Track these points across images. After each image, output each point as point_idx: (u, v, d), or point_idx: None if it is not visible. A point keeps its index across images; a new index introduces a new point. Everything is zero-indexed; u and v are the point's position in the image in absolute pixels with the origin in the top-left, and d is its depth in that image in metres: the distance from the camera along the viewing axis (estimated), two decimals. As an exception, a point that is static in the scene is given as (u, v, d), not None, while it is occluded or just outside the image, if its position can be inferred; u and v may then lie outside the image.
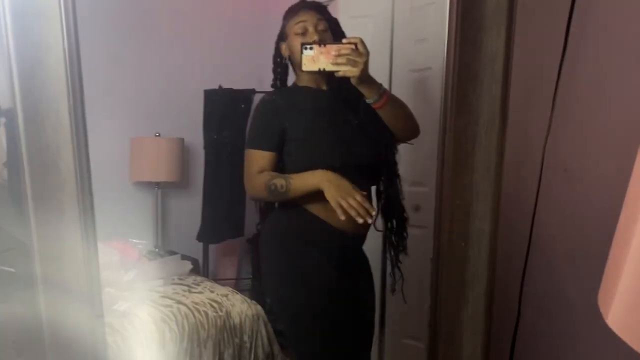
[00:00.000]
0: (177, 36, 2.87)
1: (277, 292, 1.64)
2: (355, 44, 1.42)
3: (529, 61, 0.95)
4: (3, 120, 1.61)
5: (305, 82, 1.63)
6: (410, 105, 2.63)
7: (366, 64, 1.43)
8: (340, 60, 1.41)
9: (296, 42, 1.55)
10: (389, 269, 2.12)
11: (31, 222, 0.85)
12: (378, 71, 2.67)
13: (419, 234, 2.67)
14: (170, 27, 2.86)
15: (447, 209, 0.97)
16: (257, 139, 1.60)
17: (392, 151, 1.66)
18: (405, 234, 1.77)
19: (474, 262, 0.97)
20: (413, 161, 2.67)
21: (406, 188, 2.69)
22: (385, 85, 2.67)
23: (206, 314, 1.90)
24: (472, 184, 0.95)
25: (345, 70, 1.41)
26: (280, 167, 1.59)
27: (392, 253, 1.79)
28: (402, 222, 1.76)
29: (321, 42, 1.46)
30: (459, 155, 0.95)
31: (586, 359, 1.38)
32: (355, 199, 1.42)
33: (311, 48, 1.43)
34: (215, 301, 1.97)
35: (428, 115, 2.59)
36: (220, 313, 1.92)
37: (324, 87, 1.63)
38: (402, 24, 2.65)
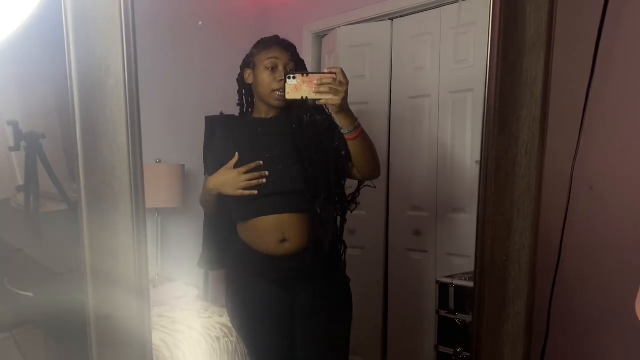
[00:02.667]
0: (178, 62, 2.90)
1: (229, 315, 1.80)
2: (336, 74, 1.49)
3: (559, 82, 1.01)
4: (24, 144, 1.61)
5: (257, 112, 1.72)
6: (409, 130, 2.72)
7: (346, 92, 1.50)
8: (322, 89, 1.49)
9: (264, 75, 1.65)
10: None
11: (85, 243, 0.86)
12: (378, 99, 2.76)
13: (420, 258, 2.72)
14: (172, 53, 2.89)
15: (489, 225, 1.01)
16: (208, 166, 1.73)
17: (330, 178, 1.68)
18: (340, 257, 1.79)
19: (515, 277, 1.00)
20: (412, 187, 2.73)
21: (406, 213, 2.75)
22: (385, 112, 2.78)
23: (218, 339, 1.88)
24: (512, 201, 0.99)
25: (327, 98, 1.50)
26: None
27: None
28: (337, 246, 1.77)
29: (304, 72, 1.54)
30: (500, 174, 0.99)
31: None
32: (242, 177, 1.57)
33: (294, 77, 1.51)
34: (226, 326, 1.96)
35: (425, 142, 2.67)
36: (231, 338, 1.91)
37: (270, 115, 1.70)
38: (400, 53, 2.73)
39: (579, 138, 1.28)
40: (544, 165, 0.98)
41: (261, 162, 1.61)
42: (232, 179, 1.60)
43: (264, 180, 1.59)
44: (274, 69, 1.64)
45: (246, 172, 1.59)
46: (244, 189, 1.59)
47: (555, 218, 1.35)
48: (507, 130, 0.97)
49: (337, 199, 1.72)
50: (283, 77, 1.59)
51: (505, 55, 0.95)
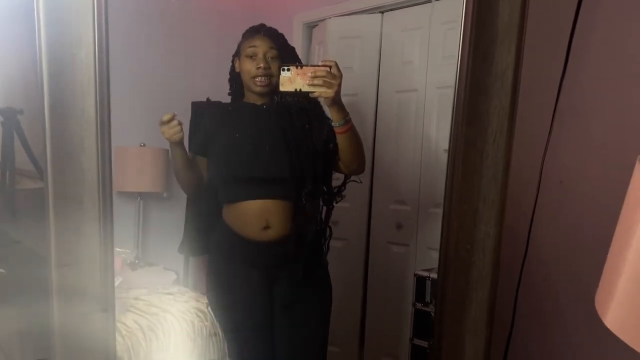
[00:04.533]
0: (166, 47, 2.88)
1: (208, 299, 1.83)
2: (330, 67, 1.50)
3: (531, 74, 1.02)
4: (0, 119, 1.60)
5: (247, 98, 1.74)
6: (395, 124, 2.72)
7: (339, 85, 1.51)
8: (316, 81, 1.50)
9: (245, 62, 1.68)
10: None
11: (50, 214, 0.85)
12: (365, 92, 2.76)
13: (401, 251, 2.73)
14: (160, 37, 2.87)
15: (455, 213, 1.02)
16: (192, 144, 1.76)
17: (317, 168, 1.69)
18: (322, 248, 1.81)
19: (479, 265, 1.02)
20: (395, 181, 2.74)
21: (389, 207, 2.76)
22: (372, 105, 2.78)
23: (192, 323, 1.88)
24: (479, 189, 1.00)
25: (321, 91, 1.51)
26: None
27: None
28: (319, 237, 1.79)
29: (298, 64, 1.54)
30: (468, 162, 1.00)
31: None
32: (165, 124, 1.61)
33: (289, 69, 1.52)
34: (202, 311, 1.96)
35: (411, 137, 2.68)
36: (206, 323, 1.91)
37: (260, 102, 1.71)
38: (389, 46, 2.73)
39: (549, 132, 1.30)
40: (512, 155, 1.00)
41: (175, 113, 1.64)
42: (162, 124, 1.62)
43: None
44: (253, 56, 1.66)
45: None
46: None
47: (525, 211, 1.37)
48: (476, 120, 0.98)
49: (324, 189, 1.73)
50: (261, 65, 1.63)
51: (476, 44, 0.96)
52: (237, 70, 1.74)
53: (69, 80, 0.85)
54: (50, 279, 0.89)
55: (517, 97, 0.97)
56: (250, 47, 1.67)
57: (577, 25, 1.29)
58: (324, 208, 1.79)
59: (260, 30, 1.69)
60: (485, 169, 0.99)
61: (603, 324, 0.77)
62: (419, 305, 2.23)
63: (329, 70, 1.50)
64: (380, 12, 2.77)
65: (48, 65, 0.83)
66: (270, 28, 1.72)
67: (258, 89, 1.66)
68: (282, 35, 1.73)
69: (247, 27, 1.76)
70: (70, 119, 0.85)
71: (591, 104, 1.37)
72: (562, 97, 1.29)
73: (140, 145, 2.74)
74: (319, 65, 1.51)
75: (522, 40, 0.95)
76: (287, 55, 1.70)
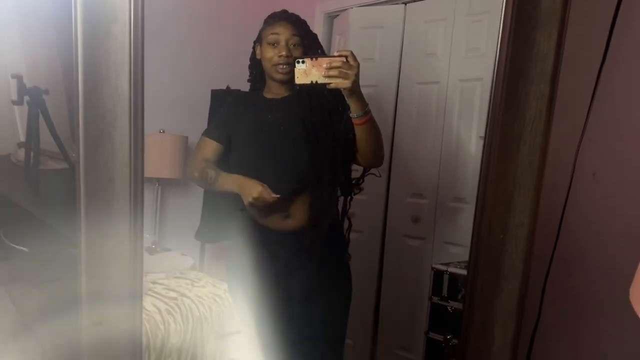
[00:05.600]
0: (186, 35, 2.88)
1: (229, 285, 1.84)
2: (346, 57, 1.47)
3: (570, 63, 0.99)
4: (27, 98, 1.60)
5: (268, 90, 1.72)
6: (415, 116, 2.70)
7: (357, 76, 1.48)
8: (332, 72, 1.47)
9: (266, 49, 1.65)
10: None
11: (81, 189, 0.85)
12: (386, 83, 2.74)
13: (418, 245, 2.71)
14: (180, 26, 2.87)
15: (489, 201, 1.00)
16: (211, 129, 1.73)
17: (337, 159, 1.66)
18: (342, 239, 1.80)
19: (511, 254, 1.00)
20: (414, 174, 2.72)
21: (406, 199, 2.74)
22: (393, 97, 2.76)
23: (210, 308, 1.89)
24: (515, 177, 0.98)
25: (337, 82, 1.47)
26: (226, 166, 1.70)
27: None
28: (338, 227, 1.77)
29: (313, 56, 1.51)
30: (504, 149, 0.98)
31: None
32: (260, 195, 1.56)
33: (303, 62, 1.49)
34: (219, 296, 1.96)
35: (431, 129, 2.65)
36: (224, 308, 1.91)
37: (280, 90, 1.70)
38: (411, 38, 2.70)
39: (585, 123, 1.27)
40: (549, 145, 0.98)
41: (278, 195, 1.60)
42: (251, 188, 1.59)
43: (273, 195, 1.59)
44: (275, 44, 1.64)
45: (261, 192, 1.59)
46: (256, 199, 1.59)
47: (556, 201, 1.34)
48: (514, 105, 0.96)
49: (344, 179, 1.72)
50: (283, 53, 1.61)
51: (517, 28, 0.93)
52: (258, 57, 1.72)
53: (102, 56, 0.84)
54: (80, 260, 0.88)
55: (557, 83, 0.95)
56: (272, 34, 1.65)
57: (619, 12, 1.26)
58: (342, 199, 1.78)
59: (282, 17, 1.68)
60: (522, 156, 0.97)
61: (635, 317, 0.75)
62: (435, 299, 2.21)
63: (345, 60, 1.47)
64: (403, 2, 2.74)
65: (83, 39, 0.83)
66: (293, 14, 1.70)
67: (280, 76, 1.65)
68: (304, 22, 1.71)
69: (267, 14, 1.75)
70: (103, 95, 0.85)
71: (630, 95, 1.34)
72: (600, 87, 1.26)
73: (160, 132, 2.75)
74: (334, 56, 1.48)
75: (565, 24, 0.93)
76: (309, 43, 1.69)
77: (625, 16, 1.30)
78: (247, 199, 1.57)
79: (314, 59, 1.49)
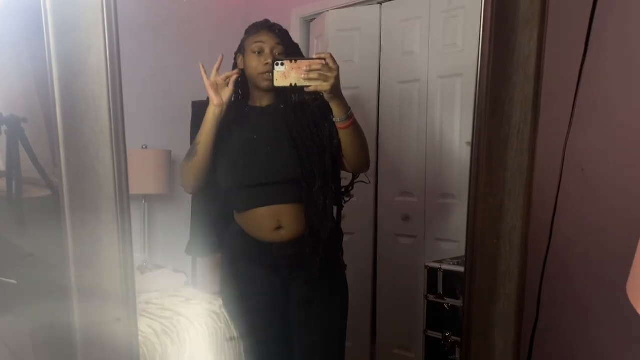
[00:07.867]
0: (166, 47, 2.85)
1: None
2: (325, 59, 1.46)
3: (551, 62, 1.00)
4: (4, 128, 1.57)
5: (252, 100, 1.71)
6: (398, 115, 2.70)
7: (337, 78, 1.47)
8: (311, 75, 1.46)
9: (250, 58, 1.64)
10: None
11: (67, 226, 0.83)
12: (367, 84, 2.74)
13: (409, 243, 2.72)
14: (159, 38, 2.84)
15: (480, 206, 1.00)
16: (191, 141, 1.71)
17: (326, 166, 1.65)
18: (337, 247, 1.78)
19: (506, 258, 1.00)
20: (401, 172, 2.73)
21: (395, 198, 2.75)
22: (375, 97, 2.76)
23: (206, 325, 1.87)
24: (504, 182, 0.98)
25: (317, 85, 1.46)
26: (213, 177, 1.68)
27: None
28: (333, 235, 1.74)
29: (292, 58, 1.50)
30: (492, 155, 0.98)
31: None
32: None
33: (282, 64, 1.47)
34: (215, 313, 1.94)
35: (414, 127, 2.66)
36: (220, 324, 1.89)
37: (265, 104, 1.69)
38: (389, 37, 2.71)
39: (570, 120, 1.28)
40: (536, 146, 0.98)
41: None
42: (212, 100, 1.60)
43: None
44: (260, 52, 1.63)
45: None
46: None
47: (547, 200, 1.35)
48: (499, 111, 0.96)
49: (333, 187, 1.70)
50: (269, 61, 1.59)
51: (497, 32, 0.93)
52: (240, 67, 1.70)
53: (79, 88, 0.82)
54: (70, 289, 0.86)
55: (540, 86, 0.95)
56: (256, 42, 1.63)
57: (596, 10, 1.26)
58: (335, 208, 1.77)
59: (265, 26, 1.67)
60: (510, 160, 0.97)
61: (629, 313, 0.76)
62: (431, 297, 2.22)
63: (324, 62, 1.45)
64: (378, 3, 2.74)
65: (58, 71, 0.81)
66: (275, 24, 1.69)
67: (266, 83, 1.63)
68: (287, 32, 1.71)
69: (245, 24, 1.73)
70: (83, 127, 0.83)
71: (612, 90, 1.35)
72: (583, 84, 1.27)
73: (142, 148, 2.72)
74: (313, 59, 1.46)
75: (544, 27, 0.93)
76: (293, 52, 1.68)
77: (604, 7, 1.31)
78: (214, 102, 1.59)
79: (293, 61, 1.47)
